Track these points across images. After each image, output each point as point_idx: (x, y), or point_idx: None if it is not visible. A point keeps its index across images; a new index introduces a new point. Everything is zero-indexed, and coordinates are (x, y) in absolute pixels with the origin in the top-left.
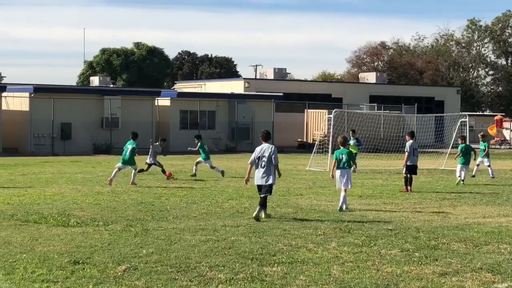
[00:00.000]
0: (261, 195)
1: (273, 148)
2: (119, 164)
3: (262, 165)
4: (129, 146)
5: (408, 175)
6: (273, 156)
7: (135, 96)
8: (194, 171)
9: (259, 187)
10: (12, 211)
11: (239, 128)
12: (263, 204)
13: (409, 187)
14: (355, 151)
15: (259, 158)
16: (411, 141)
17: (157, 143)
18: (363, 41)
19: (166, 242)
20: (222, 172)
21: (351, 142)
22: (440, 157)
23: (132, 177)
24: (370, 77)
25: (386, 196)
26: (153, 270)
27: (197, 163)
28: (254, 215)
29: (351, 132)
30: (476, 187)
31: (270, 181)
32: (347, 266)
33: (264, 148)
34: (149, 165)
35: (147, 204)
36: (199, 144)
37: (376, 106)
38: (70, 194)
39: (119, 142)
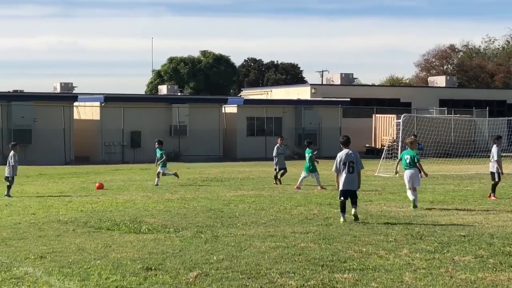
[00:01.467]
0: (352, 199)
1: (358, 154)
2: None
3: (351, 170)
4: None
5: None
6: (359, 162)
7: (202, 103)
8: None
9: (345, 192)
10: (86, 219)
11: (306, 134)
12: (355, 202)
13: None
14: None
15: (345, 163)
16: (496, 146)
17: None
18: (431, 44)
19: (236, 248)
20: (175, 174)
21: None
22: None
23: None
24: (439, 80)
25: (458, 202)
26: (224, 277)
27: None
28: (353, 213)
29: (412, 137)
30: None
31: (356, 186)
32: (419, 273)
33: (350, 154)
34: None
35: (216, 211)
36: (158, 150)
37: (446, 110)
38: (141, 201)
39: (188, 149)
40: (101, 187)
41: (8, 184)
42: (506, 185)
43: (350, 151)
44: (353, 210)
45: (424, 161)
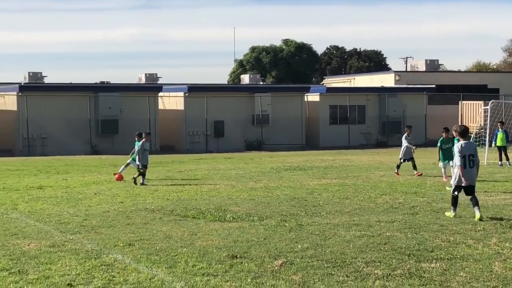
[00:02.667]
0: (471, 195)
1: (475, 146)
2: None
3: (471, 165)
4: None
5: None
6: (477, 154)
7: (284, 92)
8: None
9: (467, 188)
10: (172, 207)
11: (390, 122)
12: (477, 203)
13: None
14: (503, 144)
15: (464, 156)
16: None
17: None
18: None
19: (321, 237)
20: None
21: (499, 134)
22: None
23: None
24: None
25: None
26: (309, 265)
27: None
28: (477, 217)
29: (499, 124)
30: None
31: (475, 182)
32: (509, 263)
33: (469, 145)
34: None
35: (300, 200)
36: (136, 143)
37: None
38: (225, 190)
39: (270, 138)
40: (120, 178)
41: (141, 171)
42: None
43: (469, 143)
44: (477, 214)
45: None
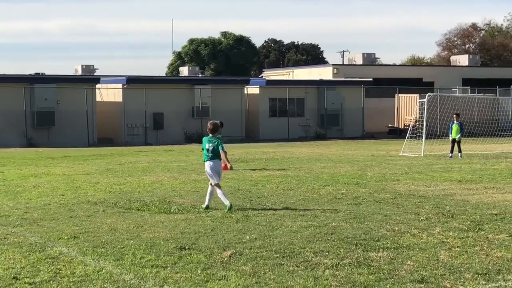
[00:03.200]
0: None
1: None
2: None
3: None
4: None
5: None
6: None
7: (224, 85)
8: None
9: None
10: (115, 199)
11: (328, 115)
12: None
13: None
14: (456, 136)
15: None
16: None
17: None
18: (453, 23)
19: (268, 228)
20: None
21: (454, 126)
22: None
23: None
24: (462, 59)
25: (487, 181)
26: (258, 256)
27: None
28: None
29: (455, 116)
30: None
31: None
32: (455, 251)
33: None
34: None
35: (244, 191)
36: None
37: (469, 90)
38: (168, 182)
39: None
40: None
41: None
42: None
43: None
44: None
45: (447, 141)
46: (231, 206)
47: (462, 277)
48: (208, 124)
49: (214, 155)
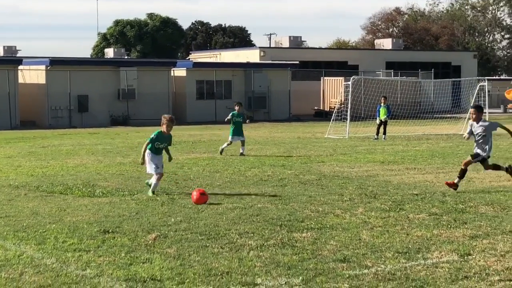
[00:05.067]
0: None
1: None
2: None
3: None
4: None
5: None
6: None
7: (151, 67)
8: None
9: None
10: (37, 183)
11: (255, 97)
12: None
13: None
14: (384, 119)
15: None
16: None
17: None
18: (377, 7)
19: (193, 210)
20: None
21: (382, 109)
22: (459, 122)
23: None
24: (385, 43)
25: (408, 162)
26: (183, 238)
27: None
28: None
29: (382, 98)
30: (498, 151)
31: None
32: (376, 231)
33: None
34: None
35: (170, 174)
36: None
37: (392, 73)
38: (92, 165)
39: (136, 113)
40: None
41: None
42: (453, 145)
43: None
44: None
45: (372, 123)
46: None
47: (383, 256)
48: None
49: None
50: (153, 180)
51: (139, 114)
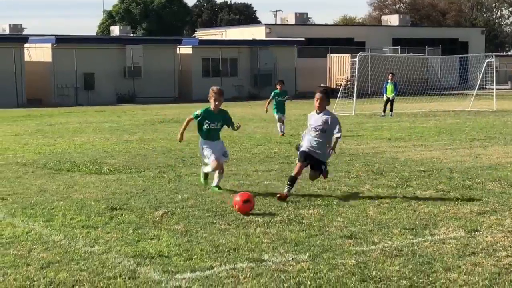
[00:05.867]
0: None
1: None
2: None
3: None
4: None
5: None
6: None
7: (156, 44)
8: None
9: None
10: (44, 160)
11: (261, 75)
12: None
13: None
14: (391, 95)
15: None
16: None
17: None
18: None
19: (200, 187)
20: None
21: (389, 86)
22: (466, 98)
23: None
24: (392, 19)
25: (415, 138)
26: (190, 215)
27: None
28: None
29: (390, 75)
30: (506, 127)
31: None
32: (383, 208)
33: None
34: None
35: (177, 151)
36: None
37: (399, 49)
38: (99, 143)
39: (142, 91)
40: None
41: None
42: (460, 122)
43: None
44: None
45: (379, 100)
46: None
47: (390, 232)
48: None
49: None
50: (208, 169)
51: (145, 92)
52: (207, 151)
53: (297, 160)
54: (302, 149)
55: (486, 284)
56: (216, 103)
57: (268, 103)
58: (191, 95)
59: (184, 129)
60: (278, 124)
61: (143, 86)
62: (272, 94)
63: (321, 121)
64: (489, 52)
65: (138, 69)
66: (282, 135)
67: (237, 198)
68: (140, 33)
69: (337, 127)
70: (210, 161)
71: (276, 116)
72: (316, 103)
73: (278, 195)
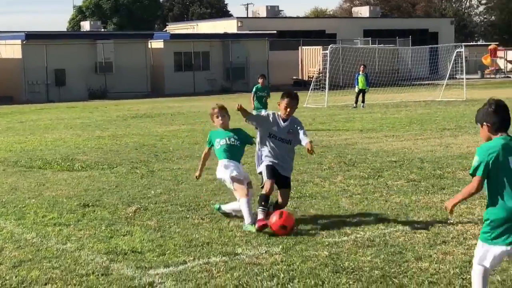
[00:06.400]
0: None
1: None
2: None
3: None
4: None
5: None
6: None
7: (127, 39)
8: None
9: None
10: (16, 158)
11: (233, 68)
12: None
13: None
14: (363, 87)
15: None
16: None
17: None
18: None
19: (173, 182)
20: None
21: (360, 77)
22: (436, 89)
23: None
24: (363, 11)
25: (387, 129)
26: (163, 210)
27: None
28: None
29: (361, 67)
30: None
31: None
32: (355, 198)
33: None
34: None
35: (150, 146)
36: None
37: (370, 41)
38: (71, 140)
39: (114, 86)
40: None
41: None
42: (431, 112)
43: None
44: None
45: (350, 91)
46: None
47: (362, 223)
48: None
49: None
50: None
51: (117, 87)
52: (227, 170)
53: (265, 177)
54: (266, 163)
55: (456, 272)
56: (223, 120)
57: (253, 98)
58: (163, 89)
59: (203, 165)
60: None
61: (115, 81)
62: (254, 89)
63: (287, 131)
64: (459, 42)
65: (109, 65)
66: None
67: (274, 217)
68: (110, 28)
69: (302, 132)
70: (234, 178)
71: (255, 113)
72: (285, 111)
73: (257, 227)
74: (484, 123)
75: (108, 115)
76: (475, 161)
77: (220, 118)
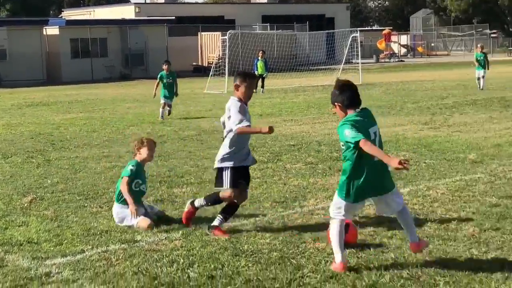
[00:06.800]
0: None
1: None
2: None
3: None
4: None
5: None
6: None
7: (21, 26)
8: None
9: None
10: None
11: (132, 55)
12: None
13: None
14: (262, 72)
15: None
16: None
17: None
18: None
19: (71, 171)
20: None
21: (259, 63)
22: (333, 73)
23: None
24: None
25: (286, 114)
26: (60, 199)
27: None
28: None
29: (260, 52)
30: (371, 100)
31: None
32: (254, 182)
33: None
34: None
35: (46, 135)
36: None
37: (268, 26)
38: None
39: (8, 75)
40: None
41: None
42: (328, 96)
43: None
44: None
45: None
46: None
47: (261, 206)
48: None
49: None
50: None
51: (11, 75)
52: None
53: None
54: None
55: (352, 251)
56: (151, 153)
57: (156, 86)
58: (60, 77)
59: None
60: (161, 110)
61: (9, 69)
62: (159, 76)
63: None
64: (354, 27)
65: (3, 52)
66: (162, 119)
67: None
68: (4, 15)
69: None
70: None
71: (162, 101)
72: (251, 92)
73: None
74: (336, 103)
75: (2, 104)
76: (348, 134)
77: (148, 153)
